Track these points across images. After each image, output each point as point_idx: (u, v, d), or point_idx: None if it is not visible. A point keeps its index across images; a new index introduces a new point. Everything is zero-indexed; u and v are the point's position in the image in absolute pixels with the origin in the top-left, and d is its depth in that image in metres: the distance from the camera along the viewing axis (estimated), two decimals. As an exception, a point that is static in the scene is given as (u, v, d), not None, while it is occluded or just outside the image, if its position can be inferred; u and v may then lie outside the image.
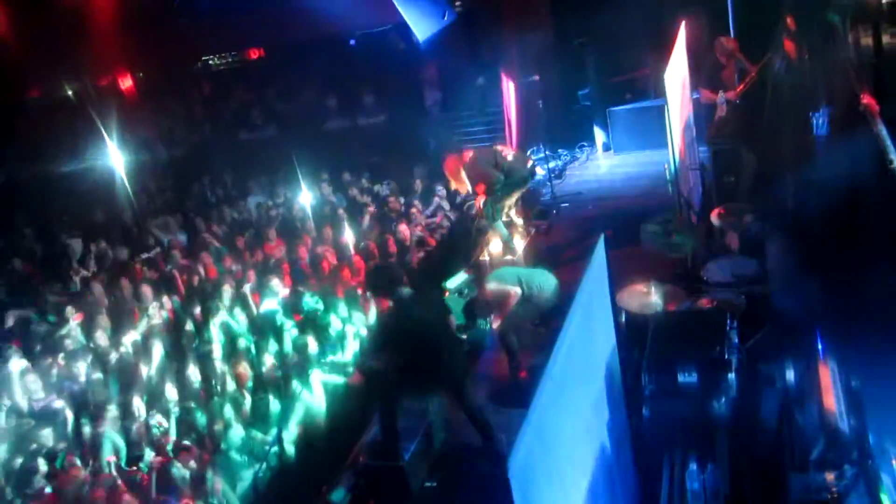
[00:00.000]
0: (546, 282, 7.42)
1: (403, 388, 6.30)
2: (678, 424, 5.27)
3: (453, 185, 9.73)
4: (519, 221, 9.72)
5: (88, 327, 9.20)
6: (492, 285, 7.46)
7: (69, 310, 9.48)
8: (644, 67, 12.32)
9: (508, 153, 9.39)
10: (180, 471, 6.56)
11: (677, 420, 5.29)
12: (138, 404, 7.58)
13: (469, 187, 9.34)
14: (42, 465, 6.89)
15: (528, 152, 11.19)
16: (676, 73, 8.34)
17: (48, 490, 6.69)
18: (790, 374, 5.32)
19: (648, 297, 6.68)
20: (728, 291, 6.93)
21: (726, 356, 5.40)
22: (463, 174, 9.28)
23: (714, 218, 7.81)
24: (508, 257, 9.08)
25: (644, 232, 8.24)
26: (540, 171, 11.09)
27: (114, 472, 6.72)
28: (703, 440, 5.24)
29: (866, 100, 6.78)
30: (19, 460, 7.03)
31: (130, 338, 8.74)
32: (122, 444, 7.17)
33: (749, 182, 9.20)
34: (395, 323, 6.30)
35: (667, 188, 8.21)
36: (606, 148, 12.91)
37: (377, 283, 6.75)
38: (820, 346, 5.27)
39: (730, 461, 5.20)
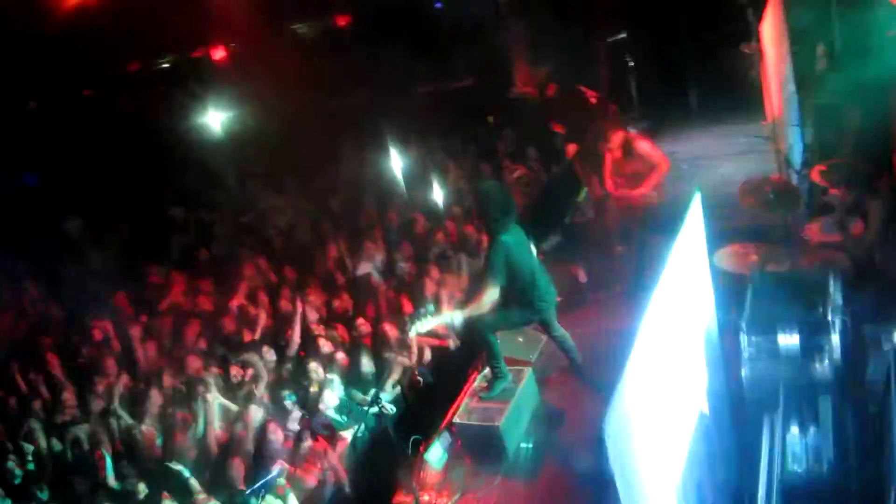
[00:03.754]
0: None
1: (502, 321, 6.50)
2: (779, 387, 5.17)
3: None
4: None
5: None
6: None
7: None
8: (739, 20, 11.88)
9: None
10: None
11: (778, 382, 5.19)
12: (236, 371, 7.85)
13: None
14: None
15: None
16: (773, 24, 8.03)
17: None
18: (897, 337, 5.14)
19: (748, 256, 6.55)
20: (831, 251, 6.73)
21: (829, 317, 5.26)
22: (644, 148, 8.12)
23: (815, 175, 7.55)
24: None
25: (742, 190, 8.01)
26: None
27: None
28: (805, 403, 5.14)
29: None
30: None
31: (236, 303, 9.03)
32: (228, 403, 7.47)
33: (853, 138, 8.82)
34: (495, 256, 6.27)
35: (765, 146, 7.96)
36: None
37: (492, 206, 6.32)
38: (929, 307, 5.09)
39: (833, 425, 5.08)
